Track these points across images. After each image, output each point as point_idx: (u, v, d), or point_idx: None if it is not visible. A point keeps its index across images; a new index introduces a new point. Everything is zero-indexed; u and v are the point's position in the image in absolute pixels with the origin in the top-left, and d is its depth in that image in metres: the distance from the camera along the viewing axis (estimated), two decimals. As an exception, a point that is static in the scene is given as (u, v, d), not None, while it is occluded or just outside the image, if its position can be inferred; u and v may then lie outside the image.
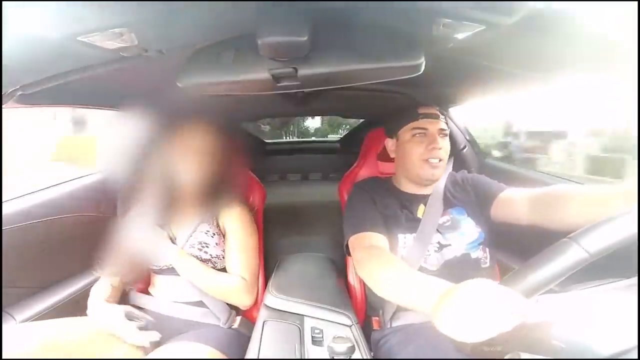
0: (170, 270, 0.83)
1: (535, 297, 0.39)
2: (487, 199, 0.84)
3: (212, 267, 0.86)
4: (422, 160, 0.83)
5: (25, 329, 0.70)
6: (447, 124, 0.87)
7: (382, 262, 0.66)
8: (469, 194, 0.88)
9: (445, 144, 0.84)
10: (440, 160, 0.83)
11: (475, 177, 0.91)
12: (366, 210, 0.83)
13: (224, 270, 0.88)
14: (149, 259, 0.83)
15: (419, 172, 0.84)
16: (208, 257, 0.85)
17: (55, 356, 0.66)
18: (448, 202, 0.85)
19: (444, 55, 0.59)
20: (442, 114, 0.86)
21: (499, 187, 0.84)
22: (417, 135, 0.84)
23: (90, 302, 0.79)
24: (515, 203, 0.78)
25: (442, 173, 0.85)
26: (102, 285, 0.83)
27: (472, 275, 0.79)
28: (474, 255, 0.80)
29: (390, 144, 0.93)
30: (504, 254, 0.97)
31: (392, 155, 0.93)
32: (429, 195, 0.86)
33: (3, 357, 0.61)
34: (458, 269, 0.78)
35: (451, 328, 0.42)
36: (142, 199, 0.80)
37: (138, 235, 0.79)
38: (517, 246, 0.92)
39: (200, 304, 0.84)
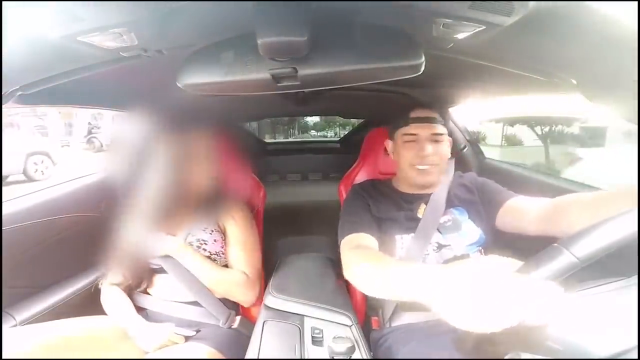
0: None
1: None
2: (493, 206, 0.83)
3: None
4: (411, 166, 0.83)
5: (27, 330, 0.70)
6: (446, 125, 0.85)
7: (367, 260, 0.63)
8: (475, 197, 0.87)
9: (439, 149, 0.83)
10: (431, 165, 0.82)
11: (484, 182, 0.90)
12: (359, 213, 0.83)
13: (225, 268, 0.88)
14: (149, 252, 0.82)
15: (410, 177, 0.85)
16: (207, 254, 0.85)
17: (58, 356, 0.66)
18: (450, 202, 0.85)
19: (444, 55, 0.59)
20: (439, 117, 0.85)
21: (507, 195, 0.83)
22: (408, 140, 0.84)
23: (130, 324, 0.79)
24: (522, 213, 0.77)
25: (435, 178, 0.84)
26: (122, 299, 0.84)
27: None
28: (472, 256, 0.80)
29: (389, 145, 0.93)
30: (504, 254, 0.97)
31: (392, 157, 0.93)
32: (430, 194, 0.86)
33: (4, 357, 0.60)
34: None
35: (459, 317, 0.38)
36: (141, 199, 0.80)
37: (137, 231, 0.79)
38: (517, 246, 0.92)
39: (198, 303, 0.84)
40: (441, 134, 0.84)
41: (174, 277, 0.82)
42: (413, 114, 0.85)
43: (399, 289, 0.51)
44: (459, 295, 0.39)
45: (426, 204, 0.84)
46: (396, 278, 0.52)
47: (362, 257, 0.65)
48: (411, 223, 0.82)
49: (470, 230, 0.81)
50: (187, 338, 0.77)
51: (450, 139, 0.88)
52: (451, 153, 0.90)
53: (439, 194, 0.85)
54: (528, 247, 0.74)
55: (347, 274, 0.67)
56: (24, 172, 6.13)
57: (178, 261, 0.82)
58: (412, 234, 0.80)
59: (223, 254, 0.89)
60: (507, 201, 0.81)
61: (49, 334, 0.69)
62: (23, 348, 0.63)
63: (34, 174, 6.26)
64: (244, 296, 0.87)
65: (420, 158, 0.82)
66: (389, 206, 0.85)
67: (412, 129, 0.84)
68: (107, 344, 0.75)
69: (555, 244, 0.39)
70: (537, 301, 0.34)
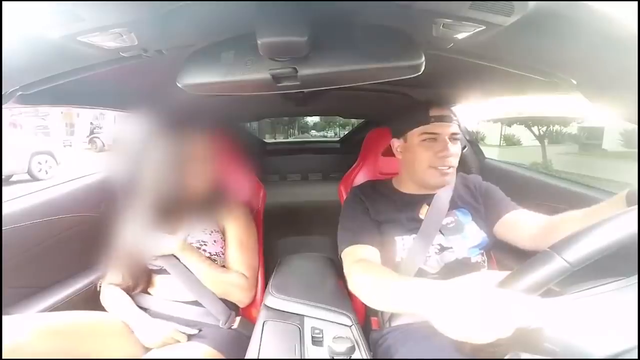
0: (168, 271, 0.84)
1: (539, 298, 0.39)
2: (493, 215, 0.83)
3: None
4: (430, 167, 0.79)
5: (28, 318, 0.70)
6: (459, 126, 0.84)
7: (370, 273, 0.65)
8: (478, 202, 0.86)
9: (456, 149, 0.80)
10: (450, 167, 0.79)
11: (489, 187, 0.89)
12: (358, 221, 0.82)
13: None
14: (150, 252, 0.82)
15: (426, 178, 0.81)
16: (207, 255, 0.85)
17: (58, 344, 0.66)
18: (454, 204, 0.84)
19: (444, 55, 0.59)
20: (454, 116, 0.82)
21: (507, 207, 0.83)
22: (427, 140, 0.79)
23: (133, 318, 0.79)
24: (518, 227, 0.78)
25: (453, 179, 0.83)
26: (122, 296, 0.84)
27: None
28: (474, 259, 0.80)
29: (396, 144, 0.88)
30: (505, 255, 0.97)
31: (398, 157, 0.89)
32: (433, 195, 0.84)
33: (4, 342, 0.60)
34: (458, 273, 0.77)
35: (454, 330, 0.41)
36: (142, 199, 0.80)
37: (138, 231, 0.79)
38: (519, 249, 0.92)
39: (198, 303, 0.84)
40: (458, 134, 0.82)
41: (176, 277, 0.82)
42: (432, 112, 0.80)
43: (398, 304, 0.55)
44: (451, 310, 0.42)
45: (428, 205, 0.83)
46: (396, 294, 0.55)
47: (364, 272, 0.66)
48: (412, 224, 0.81)
49: (472, 233, 0.81)
50: (189, 337, 0.78)
51: None
52: None
53: (443, 195, 0.84)
54: (530, 251, 0.74)
55: (351, 287, 0.69)
56: (28, 172, 6.21)
57: (179, 261, 0.82)
58: (414, 235, 0.80)
59: (223, 254, 0.89)
60: (506, 214, 0.81)
61: (46, 322, 0.69)
62: (20, 334, 0.63)
63: (38, 173, 6.34)
64: (240, 297, 0.87)
65: (442, 159, 0.78)
66: (388, 208, 0.84)
67: (433, 127, 0.79)
68: (107, 335, 0.76)
69: (547, 249, 0.39)
70: (520, 314, 0.37)
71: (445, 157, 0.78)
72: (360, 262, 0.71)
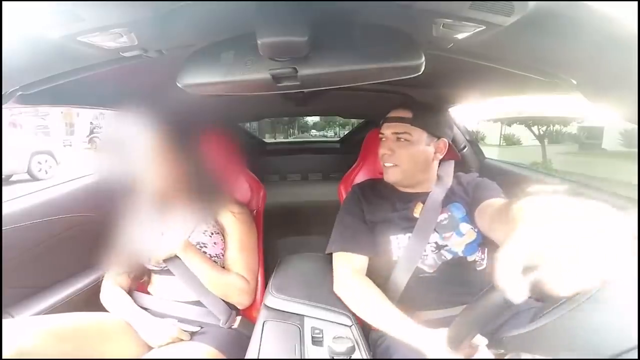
0: (169, 271, 0.84)
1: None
2: (474, 204, 0.80)
3: None
4: (382, 163, 0.88)
5: (30, 320, 0.70)
6: (424, 127, 0.82)
7: (361, 292, 0.74)
8: (469, 196, 0.86)
9: (401, 149, 0.83)
10: (394, 165, 0.85)
11: (481, 181, 0.88)
12: (354, 225, 0.84)
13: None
14: (153, 253, 0.83)
15: (384, 174, 0.89)
16: (207, 257, 0.85)
17: (60, 346, 0.66)
18: (448, 200, 0.85)
19: (444, 55, 0.59)
20: (416, 118, 0.82)
21: (488, 194, 0.79)
22: (381, 139, 0.89)
23: (136, 318, 0.80)
24: (485, 215, 0.72)
25: (397, 177, 0.86)
26: (123, 295, 0.84)
27: (468, 278, 0.79)
28: (470, 257, 0.79)
29: None
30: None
31: None
32: (428, 193, 0.86)
33: (5, 345, 0.60)
34: (455, 272, 0.77)
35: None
36: (140, 199, 0.80)
37: (140, 232, 0.79)
38: None
39: (198, 303, 0.84)
40: (403, 133, 0.83)
41: (178, 277, 0.82)
42: (389, 114, 0.87)
43: (377, 325, 0.69)
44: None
45: (423, 203, 0.84)
46: (376, 320, 0.69)
47: (355, 289, 0.75)
48: (406, 223, 0.82)
49: (467, 229, 0.80)
50: (192, 335, 0.78)
51: (445, 141, 0.86)
52: (452, 155, 0.90)
53: (437, 193, 0.85)
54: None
55: (336, 290, 0.78)
56: (28, 171, 6.22)
57: (182, 261, 0.82)
58: (409, 234, 0.80)
59: (223, 256, 0.89)
60: (484, 200, 0.76)
61: (50, 325, 0.68)
62: (25, 337, 0.63)
63: (38, 173, 6.35)
64: (240, 300, 0.87)
65: (382, 156, 0.87)
66: (384, 207, 0.85)
67: (382, 128, 0.88)
68: (110, 335, 0.75)
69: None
70: None
71: (383, 155, 0.87)
72: (354, 275, 0.77)
